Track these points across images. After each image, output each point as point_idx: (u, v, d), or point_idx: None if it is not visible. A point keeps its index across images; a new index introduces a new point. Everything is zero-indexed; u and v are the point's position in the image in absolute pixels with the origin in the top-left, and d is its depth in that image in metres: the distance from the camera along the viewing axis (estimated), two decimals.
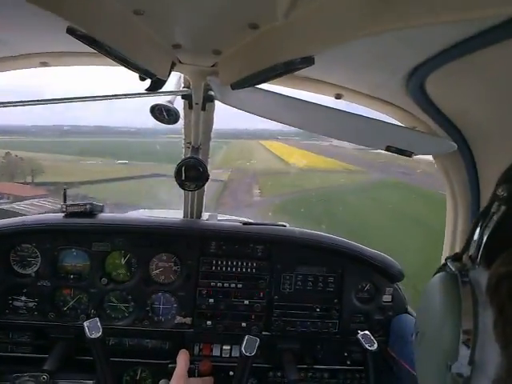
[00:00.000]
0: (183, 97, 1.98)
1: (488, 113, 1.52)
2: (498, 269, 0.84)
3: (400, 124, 1.95)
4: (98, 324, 2.33)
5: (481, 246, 0.92)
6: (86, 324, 2.33)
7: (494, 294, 0.83)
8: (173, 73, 1.86)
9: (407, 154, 1.88)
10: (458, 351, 0.86)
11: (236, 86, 1.43)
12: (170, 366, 2.68)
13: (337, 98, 1.91)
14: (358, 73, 1.70)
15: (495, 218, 0.90)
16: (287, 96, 1.69)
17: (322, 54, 1.19)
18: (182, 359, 2.56)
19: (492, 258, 0.86)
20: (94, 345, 2.33)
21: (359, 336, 2.51)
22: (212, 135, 2.44)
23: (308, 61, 1.14)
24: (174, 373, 2.49)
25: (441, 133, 1.80)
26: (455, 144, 1.70)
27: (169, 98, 2.11)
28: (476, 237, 0.94)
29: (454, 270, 0.96)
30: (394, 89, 1.68)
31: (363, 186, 28.82)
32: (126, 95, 1.82)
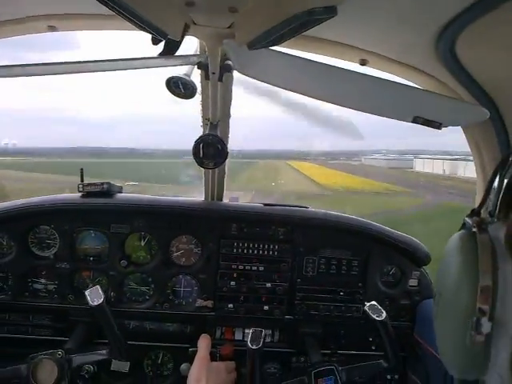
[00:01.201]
0: (199, 66, 1.89)
1: None
2: None
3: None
4: (100, 291, 2.31)
5: (498, 198, 0.88)
6: (86, 292, 2.31)
7: None
8: (189, 46, 1.78)
9: (435, 125, 1.75)
10: (476, 308, 0.83)
11: (253, 44, 1.33)
12: (190, 350, 2.64)
13: (362, 64, 1.78)
14: (384, 34, 1.59)
15: None
16: (307, 59, 1.57)
17: (345, 14, 1.10)
18: (204, 343, 2.53)
19: (510, 209, 0.82)
20: (98, 312, 2.31)
21: (366, 307, 2.41)
22: (231, 112, 2.35)
23: (330, 11, 1.04)
24: (196, 356, 2.46)
25: (472, 102, 1.69)
26: (488, 111, 1.58)
27: (185, 70, 2.02)
28: (494, 190, 0.91)
29: (471, 224, 0.92)
30: (423, 52, 1.56)
31: (424, 211, 22.74)
32: (137, 59, 1.73)
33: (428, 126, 1.80)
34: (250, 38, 1.30)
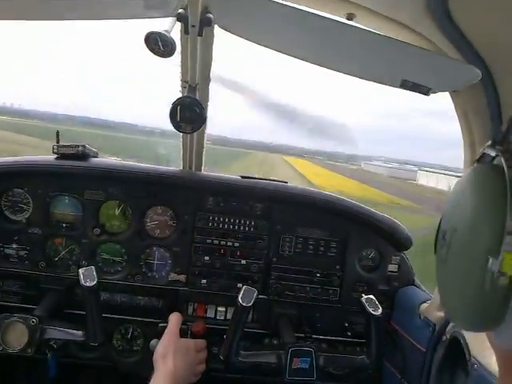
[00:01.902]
0: (179, 18, 1.82)
1: None
2: None
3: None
4: (94, 273, 2.26)
5: None
6: (81, 271, 2.26)
7: None
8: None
9: (424, 90, 1.68)
10: (500, 246, 0.72)
11: None
12: (160, 325, 2.56)
13: (348, 18, 1.70)
14: None
15: None
16: (292, 7, 1.50)
17: None
18: (174, 319, 2.47)
19: None
20: (88, 293, 2.26)
21: (363, 299, 2.35)
22: (211, 77, 2.28)
23: None
24: (165, 331, 2.39)
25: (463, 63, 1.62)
26: (479, 71, 1.51)
27: (166, 26, 1.95)
28: None
29: (494, 154, 0.81)
30: (414, 8, 1.50)
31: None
32: (104, 1, 1.66)
33: (416, 91, 1.72)
34: None
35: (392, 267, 2.85)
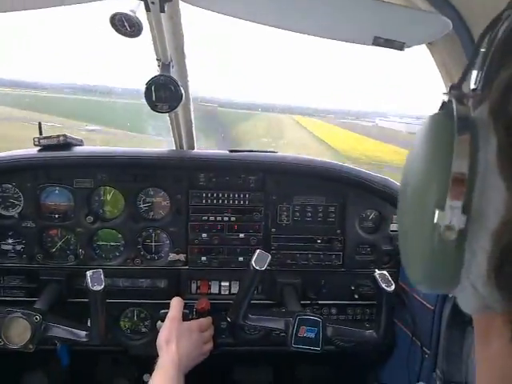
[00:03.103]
0: None
1: None
2: (501, 78, 0.60)
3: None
4: (102, 276, 2.21)
5: (483, 70, 0.68)
6: (88, 274, 2.22)
7: (500, 110, 0.59)
8: None
9: (398, 45, 1.58)
10: (447, 201, 0.62)
11: None
12: (161, 311, 2.55)
13: None
14: None
15: (504, 28, 0.65)
16: None
17: None
18: (175, 304, 2.46)
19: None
20: (95, 297, 2.23)
21: (376, 275, 2.30)
22: (186, 51, 2.18)
23: None
24: (167, 316, 2.39)
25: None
26: (449, 21, 1.41)
27: (131, 6, 1.85)
28: (480, 56, 0.70)
29: (448, 98, 0.70)
30: None
31: None
32: None
33: (390, 47, 1.63)
34: None
35: (394, 226, 2.79)
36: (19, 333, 2.24)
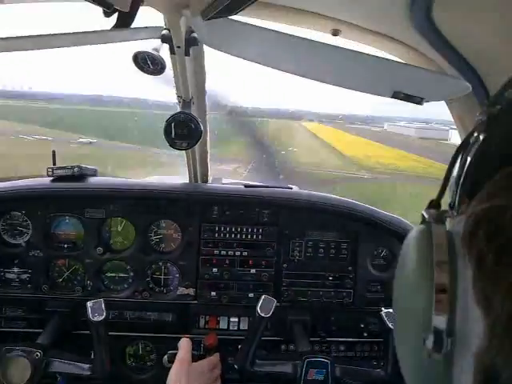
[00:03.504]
0: (163, 40, 1.71)
1: (504, 46, 1.26)
2: (473, 209, 0.64)
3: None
4: (103, 306, 2.17)
5: (458, 186, 0.73)
6: (89, 304, 2.18)
7: (472, 241, 0.63)
8: (156, 18, 1.61)
9: (417, 100, 1.59)
10: (432, 317, 0.65)
11: (207, 13, 1.17)
12: (169, 352, 2.53)
13: (334, 34, 1.64)
14: (354, 1, 1.44)
15: (473, 150, 0.70)
16: (276, 31, 1.41)
17: None
18: (184, 345, 2.40)
19: (472, 200, 0.67)
20: (96, 328, 2.19)
21: (382, 313, 2.28)
22: (207, 88, 2.18)
23: None
24: (176, 358, 2.33)
25: (452, 73, 1.54)
26: (469, 84, 1.42)
27: (154, 45, 1.86)
28: (453, 177, 0.75)
29: (427, 218, 0.75)
30: (398, 20, 1.41)
31: None
32: (88, 32, 1.56)
33: (409, 101, 1.65)
34: (204, 7, 1.14)
35: None
36: (19, 372, 2.15)
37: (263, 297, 2.23)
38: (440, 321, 0.63)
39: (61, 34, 1.50)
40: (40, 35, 1.48)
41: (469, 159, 0.70)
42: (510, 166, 0.62)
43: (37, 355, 2.19)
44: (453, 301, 0.64)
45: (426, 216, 0.75)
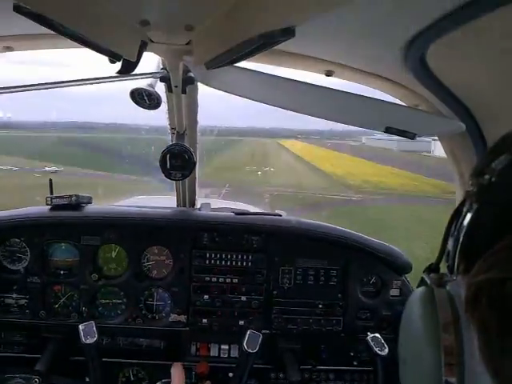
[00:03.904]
0: (161, 79, 1.83)
1: (497, 88, 1.35)
2: (475, 277, 0.69)
3: (400, 103, 1.76)
4: (94, 329, 2.23)
5: (456, 251, 0.77)
6: (81, 327, 2.23)
7: (474, 308, 0.68)
8: (151, 54, 1.71)
9: (409, 135, 1.68)
10: (442, 377, 0.70)
11: (211, 65, 1.27)
12: (163, 381, 2.48)
13: (327, 74, 1.74)
14: (350, 46, 1.53)
15: (468, 217, 0.75)
16: (272, 75, 1.51)
17: (308, 28, 1.03)
18: (176, 372, 2.41)
19: (470, 265, 0.71)
20: (89, 350, 2.23)
21: (369, 338, 2.33)
22: (198, 119, 2.29)
23: (288, 32, 0.98)
24: None
25: (446, 111, 1.62)
26: (463, 124, 1.51)
27: (149, 81, 1.97)
28: (451, 242, 0.79)
29: (429, 283, 0.82)
30: (392, 63, 1.50)
31: None
32: (96, 79, 1.66)
33: (402, 136, 1.74)
34: (208, 58, 1.24)
35: (394, 291, 2.82)
36: None
37: (249, 332, 2.26)
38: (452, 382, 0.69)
39: (74, 80, 1.61)
40: (55, 82, 1.60)
41: (464, 227, 0.75)
42: (506, 236, 0.67)
43: (35, 381, 2.25)
44: (461, 363, 0.69)
45: (428, 281, 0.82)
